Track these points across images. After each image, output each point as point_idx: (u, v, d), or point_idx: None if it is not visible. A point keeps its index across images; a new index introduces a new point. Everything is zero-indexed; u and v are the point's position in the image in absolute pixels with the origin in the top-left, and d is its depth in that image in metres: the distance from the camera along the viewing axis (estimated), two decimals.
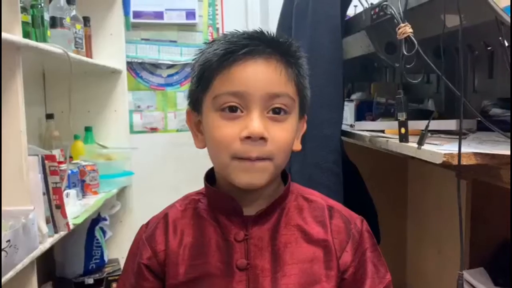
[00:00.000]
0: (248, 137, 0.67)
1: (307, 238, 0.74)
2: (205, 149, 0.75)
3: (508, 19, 0.71)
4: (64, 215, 1.34)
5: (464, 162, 0.77)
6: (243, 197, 0.73)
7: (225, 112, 0.69)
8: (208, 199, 0.78)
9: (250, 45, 0.69)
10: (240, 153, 0.68)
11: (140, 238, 0.78)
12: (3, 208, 1.13)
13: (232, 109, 0.69)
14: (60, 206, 1.32)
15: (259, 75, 0.68)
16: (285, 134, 0.70)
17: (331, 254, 0.73)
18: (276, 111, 0.69)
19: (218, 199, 0.76)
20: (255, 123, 0.67)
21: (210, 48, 0.72)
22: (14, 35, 1.15)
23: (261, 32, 0.72)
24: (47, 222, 1.28)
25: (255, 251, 0.72)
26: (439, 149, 0.82)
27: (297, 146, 0.77)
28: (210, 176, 0.78)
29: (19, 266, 1.10)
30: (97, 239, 1.93)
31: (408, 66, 0.94)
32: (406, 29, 0.92)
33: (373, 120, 1.38)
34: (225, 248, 0.73)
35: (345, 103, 1.45)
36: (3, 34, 1.09)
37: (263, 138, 0.68)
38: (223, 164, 0.70)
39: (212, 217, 0.75)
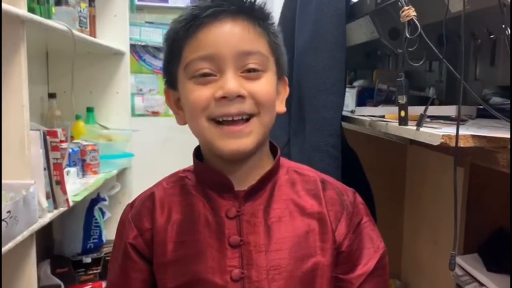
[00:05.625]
0: (224, 97, 0.66)
1: (301, 211, 0.73)
2: None
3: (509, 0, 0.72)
4: (64, 191, 1.35)
5: (461, 144, 0.78)
6: (232, 172, 0.72)
7: (198, 78, 0.68)
8: (197, 175, 0.76)
9: (213, 6, 0.67)
10: (217, 114, 0.67)
11: (126, 217, 0.77)
12: (4, 181, 1.14)
13: (205, 74, 0.67)
14: (60, 182, 1.34)
15: (227, 35, 0.67)
16: (263, 87, 0.69)
17: (327, 226, 0.72)
18: (250, 70, 0.68)
19: (207, 174, 0.74)
20: (230, 82, 0.66)
21: (176, 19, 0.71)
22: (19, 8, 1.15)
23: None
24: (47, 197, 1.30)
25: (248, 227, 0.70)
26: (437, 131, 0.83)
27: (281, 108, 0.75)
28: (198, 153, 0.77)
29: (19, 238, 1.11)
30: (96, 219, 1.95)
31: (411, 49, 0.94)
32: (409, 12, 0.92)
33: (374, 106, 1.38)
34: (216, 225, 0.71)
35: (347, 89, 1.45)
36: (8, 6, 1.09)
37: (240, 96, 0.67)
38: (202, 129, 0.69)
39: (201, 193, 0.73)
